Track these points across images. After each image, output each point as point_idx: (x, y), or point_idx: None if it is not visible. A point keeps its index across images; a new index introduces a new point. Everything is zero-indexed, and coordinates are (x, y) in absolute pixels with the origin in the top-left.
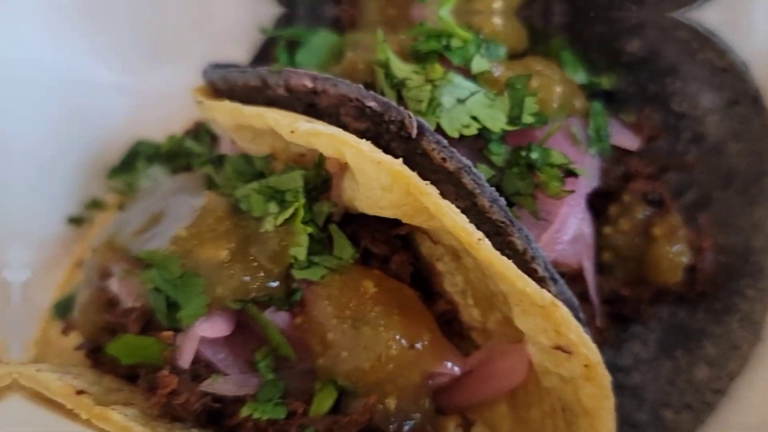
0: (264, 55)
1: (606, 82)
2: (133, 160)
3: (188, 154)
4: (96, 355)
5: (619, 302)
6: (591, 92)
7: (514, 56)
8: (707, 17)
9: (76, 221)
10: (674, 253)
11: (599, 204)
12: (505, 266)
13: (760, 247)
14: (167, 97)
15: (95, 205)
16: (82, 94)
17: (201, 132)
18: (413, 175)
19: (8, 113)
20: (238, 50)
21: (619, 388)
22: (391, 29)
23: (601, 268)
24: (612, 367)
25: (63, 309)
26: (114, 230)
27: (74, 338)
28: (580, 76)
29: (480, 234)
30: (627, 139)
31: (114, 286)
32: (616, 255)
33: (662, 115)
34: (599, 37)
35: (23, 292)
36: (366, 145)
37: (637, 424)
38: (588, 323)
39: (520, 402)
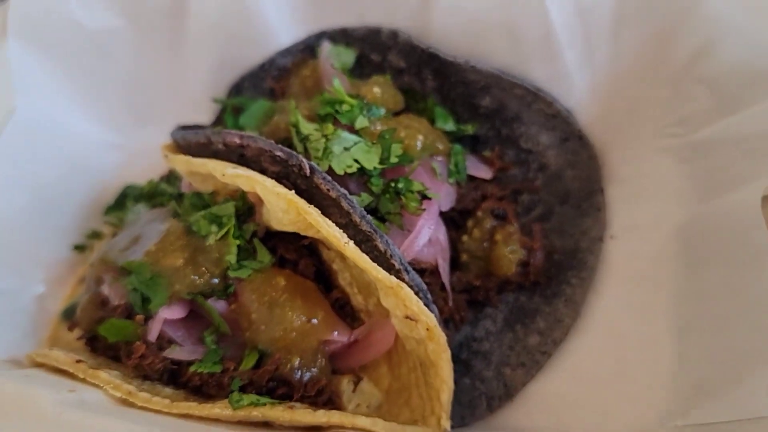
0: (221, 118)
1: (470, 128)
2: (124, 200)
3: (162, 193)
4: (92, 343)
5: (474, 291)
6: (460, 137)
7: (396, 114)
8: (534, 76)
9: (79, 248)
10: (509, 252)
11: (460, 220)
12: (363, 260)
13: (585, 247)
14: (149, 151)
15: (95, 235)
16: (83, 149)
17: (172, 177)
18: (300, 201)
19: (29, 166)
20: (204, 114)
21: (473, 353)
22: (308, 98)
23: (460, 266)
24: (469, 339)
25: (69, 313)
26: (105, 250)
27: (77, 334)
28: (450, 125)
29: (346, 238)
30: (482, 171)
31: (105, 289)
32: (470, 256)
33: (515, 152)
34: (460, 96)
35: (39, 302)
36: (270, 182)
37: (485, 379)
38: (445, 305)
39: (394, 362)
